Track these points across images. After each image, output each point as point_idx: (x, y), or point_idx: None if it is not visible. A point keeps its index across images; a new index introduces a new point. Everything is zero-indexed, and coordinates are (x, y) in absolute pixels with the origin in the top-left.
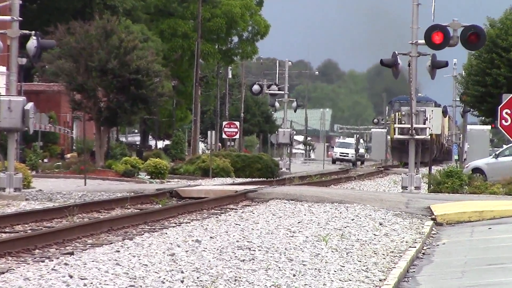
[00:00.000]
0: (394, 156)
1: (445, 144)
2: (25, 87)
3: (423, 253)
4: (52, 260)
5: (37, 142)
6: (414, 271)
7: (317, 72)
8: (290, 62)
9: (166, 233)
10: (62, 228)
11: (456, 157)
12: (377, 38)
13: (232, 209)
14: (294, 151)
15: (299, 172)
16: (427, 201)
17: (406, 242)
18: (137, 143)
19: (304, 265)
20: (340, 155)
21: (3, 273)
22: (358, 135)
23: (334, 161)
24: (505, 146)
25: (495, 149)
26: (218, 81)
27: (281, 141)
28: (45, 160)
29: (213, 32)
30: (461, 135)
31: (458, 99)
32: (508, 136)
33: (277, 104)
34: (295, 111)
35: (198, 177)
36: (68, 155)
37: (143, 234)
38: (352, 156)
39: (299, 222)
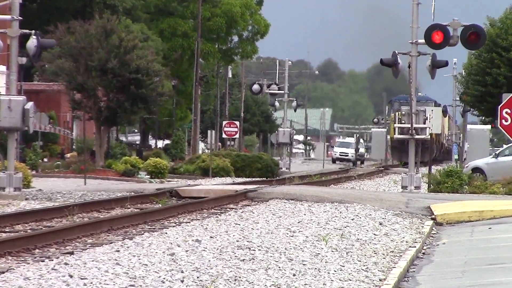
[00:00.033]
0: (394, 156)
1: (445, 144)
2: (25, 87)
3: (423, 253)
4: (52, 260)
5: (37, 141)
6: (414, 271)
7: (317, 72)
8: (290, 62)
9: (166, 233)
10: (62, 227)
11: (456, 156)
12: (377, 38)
13: (232, 208)
14: (294, 150)
15: (299, 172)
16: (427, 200)
17: (406, 241)
18: (137, 142)
19: (304, 264)
20: (340, 155)
21: (3, 272)
22: (358, 135)
23: (334, 161)
24: (505, 146)
25: (495, 148)
26: (218, 80)
27: (281, 141)
28: (45, 160)
29: (213, 31)
30: (461, 135)
31: (458, 99)
32: (508, 136)
33: (277, 104)
34: (295, 111)
35: (198, 176)
36: (68, 155)
37: (143, 234)
38: (352, 156)
39: (299, 222)
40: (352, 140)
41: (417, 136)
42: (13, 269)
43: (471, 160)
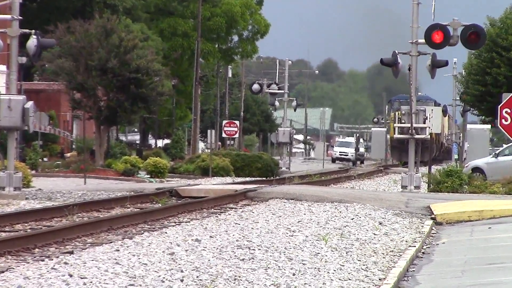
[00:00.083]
0: (393, 156)
1: (445, 143)
2: (25, 86)
3: (423, 253)
4: (52, 259)
5: (37, 141)
6: (414, 270)
7: (317, 71)
8: (290, 61)
9: (166, 232)
10: (62, 227)
11: (456, 156)
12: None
13: (232, 208)
14: (294, 150)
15: (299, 171)
16: (427, 200)
17: (406, 241)
18: (137, 142)
19: (303, 264)
20: (340, 154)
21: (2, 272)
22: (358, 134)
23: (333, 160)
24: (505, 146)
25: (495, 148)
26: (218, 80)
27: (281, 140)
28: (45, 159)
29: (213, 31)
30: (461, 134)
31: (458, 98)
32: (508, 135)
33: (277, 103)
34: (295, 110)
35: (198, 176)
36: (68, 154)
37: (143, 233)
38: (352, 156)
39: (298, 221)
40: (352, 139)
41: (417, 136)
42: (13, 268)
43: (471, 160)
